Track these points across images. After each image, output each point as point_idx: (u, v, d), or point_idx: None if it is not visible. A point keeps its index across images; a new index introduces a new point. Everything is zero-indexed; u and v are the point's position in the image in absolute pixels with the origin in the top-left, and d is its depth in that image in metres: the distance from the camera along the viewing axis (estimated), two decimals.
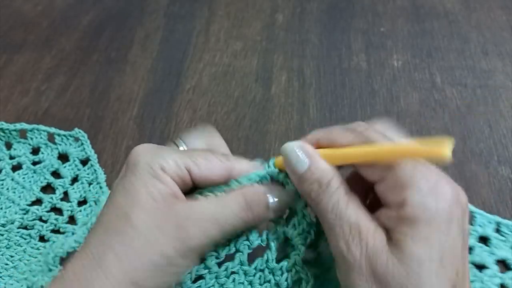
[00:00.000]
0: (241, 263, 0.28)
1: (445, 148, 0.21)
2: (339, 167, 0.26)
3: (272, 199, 0.27)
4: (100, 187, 0.42)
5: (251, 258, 0.29)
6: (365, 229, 0.23)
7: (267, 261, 0.28)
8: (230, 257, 0.29)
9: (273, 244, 0.28)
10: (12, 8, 0.61)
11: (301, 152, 0.26)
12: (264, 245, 0.28)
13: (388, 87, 0.51)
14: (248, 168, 0.29)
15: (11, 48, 0.56)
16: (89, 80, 0.53)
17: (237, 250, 0.28)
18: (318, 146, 0.27)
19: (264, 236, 0.28)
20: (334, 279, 0.29)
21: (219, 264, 0.28)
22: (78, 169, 0.44)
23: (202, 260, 0.28)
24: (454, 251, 0.23)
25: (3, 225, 0.40)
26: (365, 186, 0.27)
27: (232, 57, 0.55)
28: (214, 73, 0.53)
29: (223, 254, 0.28)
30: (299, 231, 0.28)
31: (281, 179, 0.28)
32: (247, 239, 0.28)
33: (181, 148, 0.32)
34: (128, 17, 0.60)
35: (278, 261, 0.28)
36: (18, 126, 0.45)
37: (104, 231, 0.25)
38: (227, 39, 0.57)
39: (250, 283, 0.28)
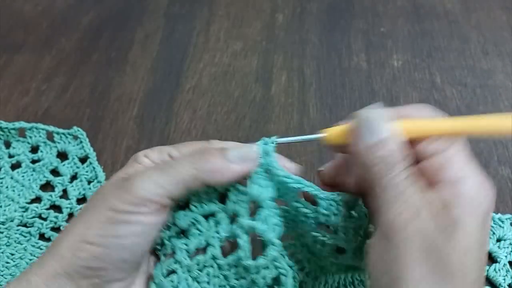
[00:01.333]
0: (214, 257, 0.27)
1: None
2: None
3: (231, 153, 0.27)
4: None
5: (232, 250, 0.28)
6: (425, 210, 0.23)
7: (240, 258, 0.27)
8: (203, 251, 0.28)
9: (241, 241, 0.27)
10: (12, 8, 0.61)
11: (381, 120, 0.26)
12: (232, 240, 0.28)
13: (388, 87, 0.51)
14: (232, 144, 0.29)
15: (11, 48, 0.56)
16: (89, 80, 0.53)
17: (208, 244, 0.27)
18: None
19: (231, 231, 0.27)
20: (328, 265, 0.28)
21: (190, 258, 0.27)
22: (77, 167, 0.44)
23: (173, 252, 0.28)
24: (484, 244, 0.25)
25: (3, 223, 0.40)
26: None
27: (232, 57, 0.55)
28: (214, 73, 0.53)
29: (192, 246, 0.27)
30: (270, 225, 0.27)
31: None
32: (217, 232, 0.27)
33: None
34: (128, 17, 0.60)
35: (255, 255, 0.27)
36: (17, 124, 0.45)
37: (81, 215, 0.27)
38: (227, 39, 0.57)
39: (226, 277, 0.27)
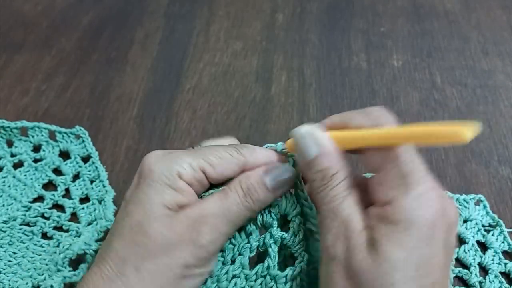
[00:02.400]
0: (242, 267, 0.28)
1: (466, 129, 0.21)
2: (351, 153, 0.26)
3: (269, 180, 0.27)
4: (104, 186, 0.42)
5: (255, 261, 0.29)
6: (352, 226, 0.23)
7: (268, 267, 0.27)
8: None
9: (272, 251, 0.28)
10: (12, 8, 0.61)
11: (311, 139, 0.26)
12: (262, 250, 0.28)
13: (388, 87, 0.51)
14: (261, 157, 0.28)
15: (11, 48, 0.56)
16: (89, 80, 0.53)
17: (239, 253, 0.28)
18: (331, 129, 0.27)
19: (262, 241, 0.28)
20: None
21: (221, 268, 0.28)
22: (80, 166, 0.44)
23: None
24: (433, 262, 0.22)
25: (5, 222, 0.40)
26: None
27: (232, 57, 0.55)
28: (214, 73, 0.53)
29: (228, 258, 0.28)
30: (300, 238, 0.27)
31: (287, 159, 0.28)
32: (248, 242, 0.28)
33: None
34: (128, 17, 0.60)
35: (281, 265, 0.28)
36: (19, 124, 0.45)
37: (120, 244, 0.25)
38: (227, 39, 0.57)
39: None
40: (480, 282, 0.37)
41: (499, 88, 0.51)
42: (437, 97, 0.50)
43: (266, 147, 0.29)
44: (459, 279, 0.38)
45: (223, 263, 0.28)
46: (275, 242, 0.28)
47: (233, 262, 0.28)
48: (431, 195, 0.23)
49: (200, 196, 0.28)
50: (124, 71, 0.54)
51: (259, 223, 0.28)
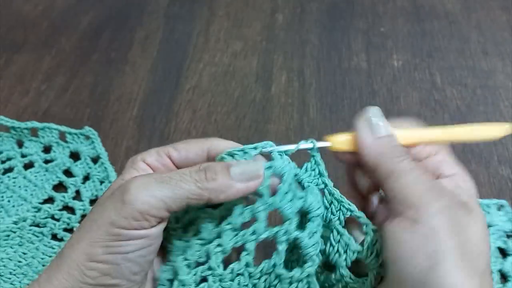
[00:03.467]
0: (247, 265, 0.27)
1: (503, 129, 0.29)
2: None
3: (234, 167, 0.26)
4: None
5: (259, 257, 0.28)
6: (443, 190, 0.25)
7: (274, 265, 0.26)
8: (236, 255, 0.27)
9: (281, 248, 0.26)
10: (12, 8, 0.61)
11: (385, 120, 0.28)
12: (270, 240, 0.27)
13: (388, 87, 0.51)
14: (225, 145, 0.28)
15: (11, 48, 0.56)
16: (89, 80, 0.53)
17: (243, 247, 0.27)
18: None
19: (273, 234, 0.27)
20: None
21: (224, 266, 0.27)
22: (90, 167, 0.44)
23: (207, 258, 0.27)
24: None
25: (15, 223, 0.40)
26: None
27: (232, 57, 0.55)
28: (214, 73, 0.53)
29: (228, 247, 0.27)
30: (315, 241, 0.26)
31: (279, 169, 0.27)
32: (254, 233, 0.26)
33: None
34: (128, 17, 0.60)
35: (286, 265, 0.27)
36: (30, 124, 0.45)
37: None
38: (227, 39, 0.57)
39: (254, 286, 0.27)
40: None
41: (499, 88, 0.51)
42: (437, 97, 0.50)
43: (255, 147, 0.28)
44: None
45: (223, 252, 0.27)
46: (287, 240, 0.26)
47: (236, 257, 0.27)
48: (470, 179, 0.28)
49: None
50: (124, 71, 0.54)
51: (271, 208, 0.27)
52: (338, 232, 0.27)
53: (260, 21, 0.59)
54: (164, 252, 0.29)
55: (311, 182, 0.28)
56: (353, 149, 0.28)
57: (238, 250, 0.27)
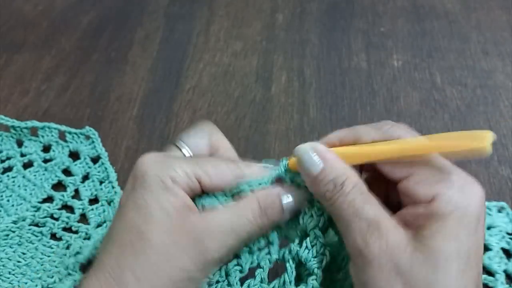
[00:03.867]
0: (262, 281, 0.28)
1: (484, 141, 0.21)
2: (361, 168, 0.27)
3: (286, 200, 0.27)
4: (113, 187, 0.42)
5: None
6: (384, 225, 0.23)
7: (284, 283, 0.27)
8: (251, 273, 0.28)
9: (289, 266, 0.27)
10: (12, 8, 0.61)
11: (314, 154, 0.26)
12: (279, 262, 0.28)
13: (388, 87, 0.51)
14: (258, 173, 0.28)
15: (11, 48, 0.56)
16: (89, 80, 0.53)
17: (259, 265, 0.28)
18: (342, 145, 0.27)
19: (281, 254, 0.28)
20: None
21: (241, 282, 0.28)
22: (89, 167, 0.44)
23: (226, 275, 0.28)
24: (479, 251, 0.23)
25: (15, 222, 0.40)
26: (383, 190, 0.27)
27: (232, 57, 0.55)
28: (214, 73, 0.53)
29: (246, 267, 0.28)
30: (313, 253, 0.27)
31: (293, 180, 0.28)
32: (269, 253, 0.28)
33: (184, 151, 0.31)
34: (128, 17, 0.60)
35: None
36: (29, 124, 0.45)
37: (119, 251, 0.25)
38: (227, 39, 0.57)
39: None
40: None
41: (499, 88, 0.51)
42: (437, 97, 0.50)
43: (263, 163, 0.29)
44: (484, 286, 0.37)
45: (241, 272, 0.28)
46: (293, 258, 0.27)
47: (251, 274, 0.28)
48: (472, 184, 0.23)
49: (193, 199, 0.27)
50: (124, 71, 0.54)
51: (282, 234, 0.28)
52: (316, 236, 0.27)
53: (260, 21, 0.59)
54: None
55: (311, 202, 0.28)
56: None
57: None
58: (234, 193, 0.27)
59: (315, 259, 0.27)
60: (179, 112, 0.49)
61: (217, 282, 0.28)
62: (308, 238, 0.27)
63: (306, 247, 0.27)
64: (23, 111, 0.49)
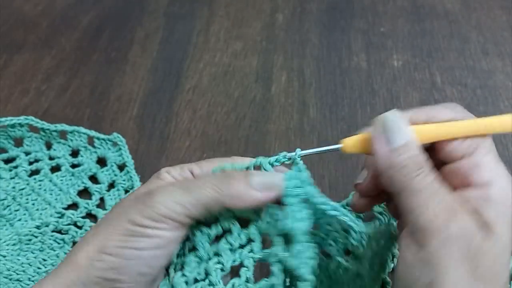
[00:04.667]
0: (247, 280, 0.27)
1: None
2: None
3: (254, 177, 0.27)
4: None
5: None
6: (460, 210, 0.23)
7: (273, 285, 0.27)
8: (235, 273, 0.27)
9: (275, 269, 0.27)
10: (12, 8, 0.61)
11: (400, 126, 0.26)
12: (265, 262, 0.27)
13: (388, 87, 0.51)
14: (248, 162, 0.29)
15: (11, 48, 0.56)
16: (89, 80, 0.53)
17: (242, 263, 0.27)
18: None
19: (266, 256, 0.27)
20: None
21: (225, 281, 0.27)
22: (115, 175, 0.44)
23: (206, 275, 0.27)
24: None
25: (38, 227, 0.40)
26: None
27: (232, 57, 0.55)
28: (214, 73, 0.53)
29: (228, 265, 0.27)
30: (303, 260, 0.26)
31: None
32: (251, 251, 0.27)
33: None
34: (128, 17, 0.60)
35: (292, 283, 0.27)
36: (59, 127, 0.45)
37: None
38: (227, 39, 0.57)
39: None
40: None
41: (499, 88, 0.51)
42: (437, 97, 0.50)
43: (283, 155, 0.28)
44: None
45: (222, 270, 0.27)
46: (279, 261, 0.27)
47: (235, 273, 0.27)
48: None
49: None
50: (124, 71, 0.54)
51: (263, 231, 0.27)
52: (328, 231, 0.28)
53: (260, 21, 0.59)
54: None
55: (294, 196, 0.27)
56: (368, 151, 0.27)
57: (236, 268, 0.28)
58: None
59: (303, 265, 0.26)
60: (179, 112, 0.49)
61: (196, 281, 0.27)
62: (296, 245, 0.26)
63: (294, 253, 0.26)
64: (23, 111, 0.49)
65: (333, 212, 0.27)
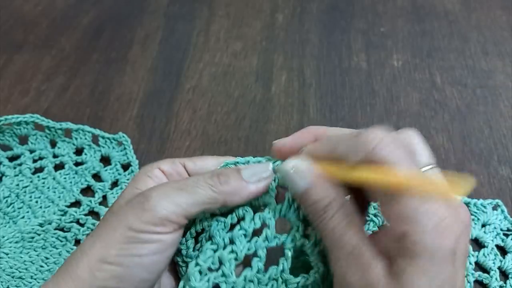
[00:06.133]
0: (258, 271, 0.27)
1: (460, 189, 0.21)
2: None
3: (246, 171, 0.27)
4: None
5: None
6: (364, 256, 0.23)
7: (282, 271, 0.26)
8: (248, 262, 0.27)
9: (289, 253, 0.26)
10: (12, 8, 0.61)
11: (297, 174, 0.26)
12: (279, 247, 0.27)
13: (388, 87, 0.51)
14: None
15: (11, 48, 0.56)
16: (89, 80, 0.53)
17: (255, 253, 0.27)
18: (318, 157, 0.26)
19: (282, 240, 0.27)
20: None
21: (237, 273, 0.27)
22: (119, 174, 0.44)
23: (220, 264, 0.26)
24: (457, 282, 0.22)
25: (41, 225, 0.40)
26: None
27: (232, 57, 0.55)
28: (214, 73, 0.53)
29: (242, 255, 0.27)
30: (319, 248, 0.26)
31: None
32: (266, 239, 0.27)
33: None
34: (128, 17, 0.60)
35: (293, 270, 0.27)
36: (64, 125, 0.45)
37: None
38: (227, 39, 0.57)
39: None
40: (501, 287, 0.37)
41: (499, 88, 0.51)
42: (437, 97, 0.50)
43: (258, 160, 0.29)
44: (479, 283, 0.37)
45: (236, 259, 0.27)
46: (294, 246, 0.27)
47: (248, 262, 0.27)
48: (447, 221, 0.22)
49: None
50: (124, 71, 0.54)
51: (278, 215, 0.27)
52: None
53: (260, 21, 0.59)
54: (175, 274, 0.30)
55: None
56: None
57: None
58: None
59: (319, 253, 0.26)
60: (179, 112, 0.49)
61: (210, 270, 0.27)
62: (315, 231, 0.26)
63: (314, 241, 0.26)
64: (23, 111, 0.49)
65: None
